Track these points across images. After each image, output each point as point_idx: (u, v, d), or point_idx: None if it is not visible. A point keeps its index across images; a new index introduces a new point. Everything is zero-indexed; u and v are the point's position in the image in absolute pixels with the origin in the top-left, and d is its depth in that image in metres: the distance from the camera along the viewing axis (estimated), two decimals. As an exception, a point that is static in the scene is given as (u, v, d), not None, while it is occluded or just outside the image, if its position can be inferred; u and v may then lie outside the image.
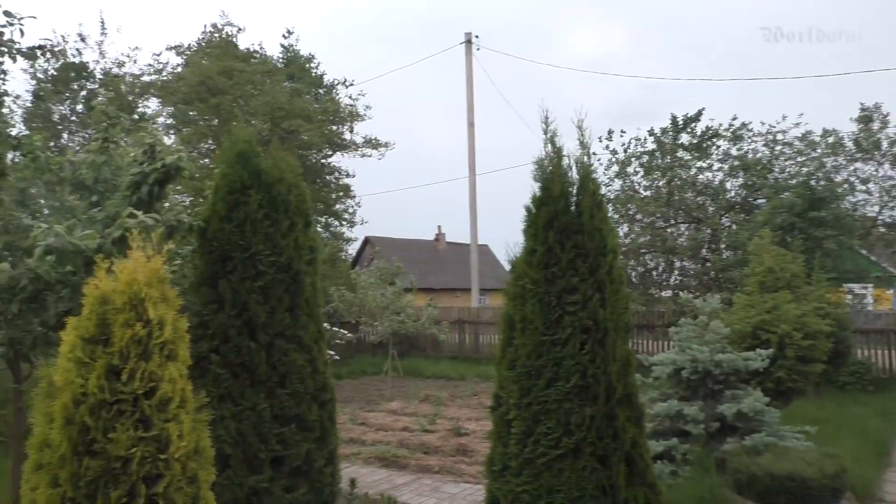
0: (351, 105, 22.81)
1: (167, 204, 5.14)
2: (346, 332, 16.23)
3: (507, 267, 49.43)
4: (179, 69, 21.30)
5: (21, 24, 5.02)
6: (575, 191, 4.11)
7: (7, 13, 4.96)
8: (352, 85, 23.65)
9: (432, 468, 7.71)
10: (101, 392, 2.91)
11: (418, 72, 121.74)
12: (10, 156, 5.51)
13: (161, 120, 20.85)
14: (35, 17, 5.06)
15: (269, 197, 4.57)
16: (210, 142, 19.43)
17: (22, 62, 5.43)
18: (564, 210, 4.01)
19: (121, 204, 4.71)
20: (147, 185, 4.67)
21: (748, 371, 6.96)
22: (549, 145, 4.12)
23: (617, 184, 17.78)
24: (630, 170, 17.78)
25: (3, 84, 5.23)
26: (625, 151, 17.76)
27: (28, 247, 4.39)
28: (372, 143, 23.45)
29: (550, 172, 4.07)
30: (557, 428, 3.79)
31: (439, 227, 46.00)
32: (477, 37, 24.14)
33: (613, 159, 17.85)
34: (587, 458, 3.77)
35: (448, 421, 10.39)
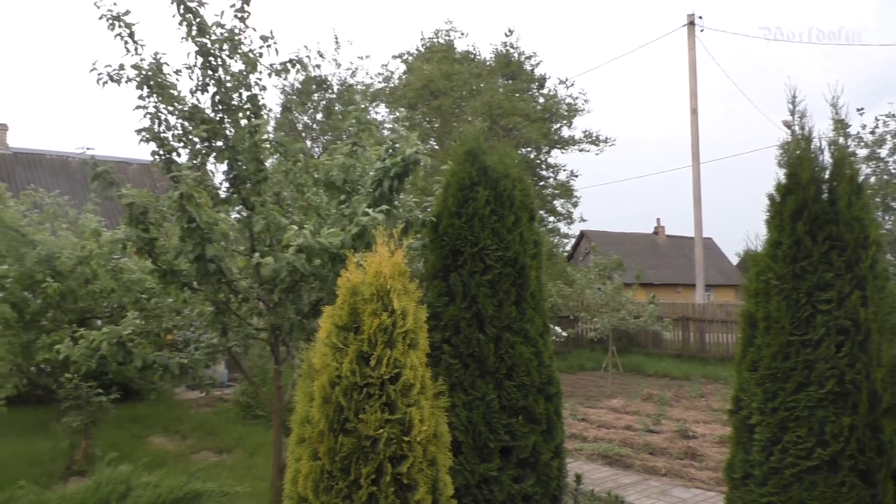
0: (570, 101, 22.67)
1: (402, 198, 5.43)
2: (561, 329, 16.16)
3: (734, 261, 46.08)
4: (404, 76, 22.66)
5: (275, 44, 5.59)
6: (827, 176, 3.71)
7: (263, 37, 5.54)
8: (572, 85, 23.49)
9: (659, 470, 7.42)
10: (353, 375, 3.18)
11: (635, 58, 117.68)
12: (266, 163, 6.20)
13: (388, 125, 22.34)
14: (272, 31, 5.58)
15: (495, 192, 4.68)
16: (432, 142, 20.42)
17: (274, 78, 6.08)
18: (815, 198, 3.64)
19: (364, 200, 5.08)
20: (388, 180, 4.96)
21: None
22: (796, 126, 3.75)
23: (866, 169, 15.75)
24: (883, 152, 15.68)
25: (262, 99, 5.85)
26: (872, 132, 15.67)
27: (284, 244, 4.89)
28: (591, 139, 23.05)
29: (798, 156, 3.71)
30: (809, 437, 3.45)
31: (658, 219, 44.16)
32: (700, 17, 22.79)
33: (861, 142, 15.83)
34: (846, 473, 3.39)
35: (673, 422, 9.93)
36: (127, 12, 5.19)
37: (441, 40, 22.65)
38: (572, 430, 9.26)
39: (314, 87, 25.57)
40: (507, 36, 23.37)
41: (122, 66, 5.30)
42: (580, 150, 23.41)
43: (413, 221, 5.18)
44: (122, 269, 7.43)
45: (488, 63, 22.61)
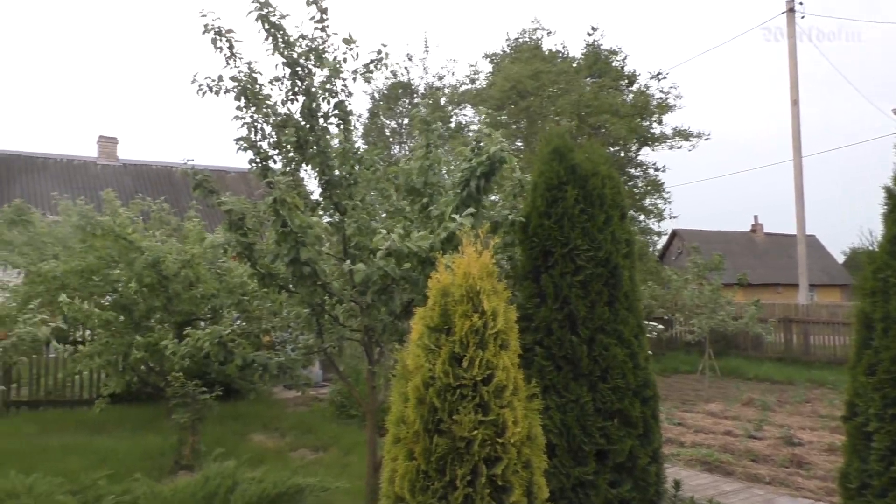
0: (661, 98, 21.96)
1: (493, 198, 5.42)
2: (657, 324, 15.72)
3: (839, 259, 43.52)
4: (490, 77, 22.65)
5: (357, 48, 5.68)
6: (951, 165, 3.44)
7: (345, 40, 5.65)
8: (664, 78, 22.74)
9: (762, 478, 7.08)
10: (445, 376, 3.18)
11: (730, 49, 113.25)
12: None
13: (474, 126, 22.43)
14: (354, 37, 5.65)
15: (584, 191, 4.59)
16: (519, 143, 20.31)
17: (360, 82, 6.19)
18: (938, 189, 3.38)
19: (452, 201, 5.09)
20: (475, 179, 4.95)
21: None
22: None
23: None
24: None
25: (349, 105, 5.97)
26: None
27: (373, 247, 4.94)
28: (682, 135, 22.17)
29: (918, 145, 3.45)
30: (934, 447, 3.20)
31: (755, 217, 42.25)
32: (801, 3, 21.67)
33: None
34: (977, 487, 3.13)
35: (777, 428, 9.46)
36: (230, 31, 5.42)
37: (527, 39, 22.48)
38: (668, 434, 8.97)
39: (400, 91, 25.97)
40: (589, 35, 22.83)
41: (220, 78, 5.55)
42: (670, 148, 22.62)
43: (502, 221, 5.16)
44: (226, 270, 7.74)
45: (576, 61, 22.24)
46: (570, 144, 4.84)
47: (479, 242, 3.45)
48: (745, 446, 8.41)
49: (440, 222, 5.17)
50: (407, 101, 26.39)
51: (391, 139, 27.60)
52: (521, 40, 22.85)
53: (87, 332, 9.58)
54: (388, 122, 27.25)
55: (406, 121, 27.02)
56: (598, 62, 22.18)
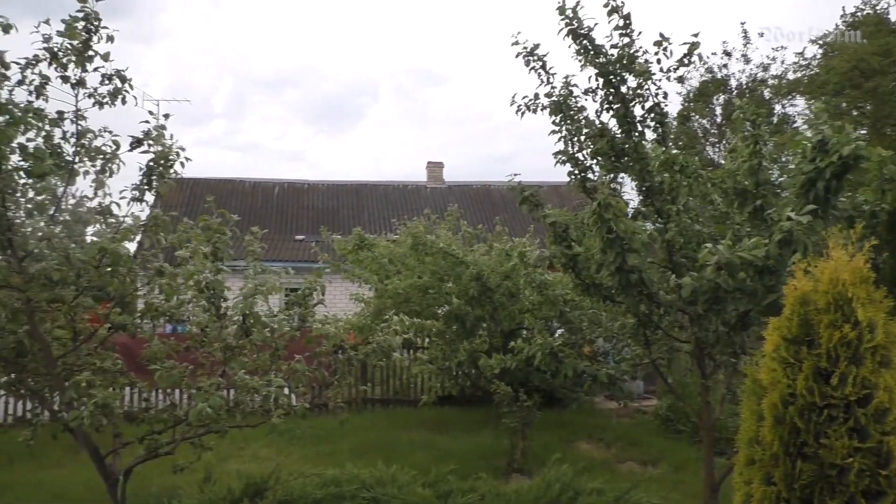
0: None
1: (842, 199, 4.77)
2: None
3: None
4: (822, 61, 20.21)
5: (670, 45, 5.43)
6: None
7: (657, 42, 5.42)
8: None
9: None
10: (809, 394, 2.83)
11: None
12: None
13: (801, 120, 20.21)
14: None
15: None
16: (863, 130, 17.69)
17: (674, 83, 5.92)
18: None
19: (795, 203, 4.58)
20: (823, 181, 4.41)
21: None
22: None
23: None
24: None
25: (665, 106, 5.74)
26: None
27: (700, 263, 4.61)
28: None
29: None
30: None
31: None
32: None
33: None
34: None
35: None
36: (545, 56, 5.61)
37: (868, 11, 19.49)
38: None
39: (711, 87, 24.47)
40: None
41: (536, 96, 5.76)
42: None
43: (859, 216, 4.50)
44: (546, 283, 7.96)
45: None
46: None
47: (851, 245, 3.02)
48: None
49: (773, 229, 4.70)
50: (722, 97, 24.71)
51: (704, 140, 26.05)
52: (859, 14, 19.92)
53: (427, 339, 10.57)
54: (700, 121, 25.80)
55: (719, 119, 25.34)
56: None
